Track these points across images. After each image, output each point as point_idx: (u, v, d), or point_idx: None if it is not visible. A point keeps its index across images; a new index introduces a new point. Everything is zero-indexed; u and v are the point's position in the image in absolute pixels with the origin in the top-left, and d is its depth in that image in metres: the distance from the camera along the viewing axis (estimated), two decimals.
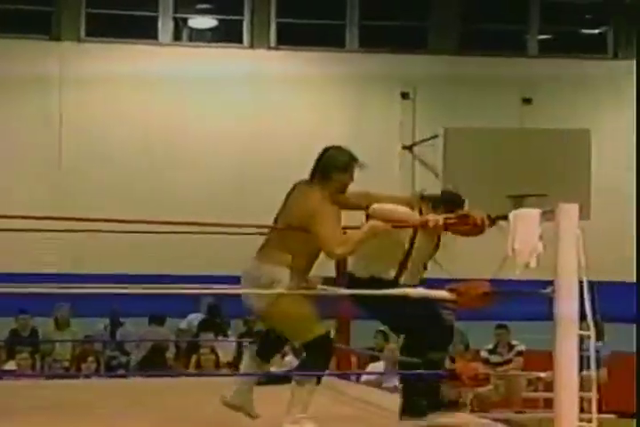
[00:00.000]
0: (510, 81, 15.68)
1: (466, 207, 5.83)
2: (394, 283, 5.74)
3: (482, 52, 16.15)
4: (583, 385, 4.86)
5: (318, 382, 5.52)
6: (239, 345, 12.51)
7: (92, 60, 15.46)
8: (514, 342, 13.21)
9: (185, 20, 16.24)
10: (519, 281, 5.18)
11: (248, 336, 11.78)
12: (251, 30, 16.09)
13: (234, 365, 11.80)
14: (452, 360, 12.27)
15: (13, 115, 15.17)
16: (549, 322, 4.81)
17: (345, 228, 5.55)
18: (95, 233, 8.00)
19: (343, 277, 8.23)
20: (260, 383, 7.21)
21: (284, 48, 16.13)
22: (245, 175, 15.07)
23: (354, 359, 10.47)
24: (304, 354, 5.65)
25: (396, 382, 10.74)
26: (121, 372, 12.40)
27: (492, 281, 5.28)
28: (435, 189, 6.28)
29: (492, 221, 5.54)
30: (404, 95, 15.65)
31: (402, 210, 5.72)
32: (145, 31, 15.89)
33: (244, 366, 5.83)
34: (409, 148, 14.32)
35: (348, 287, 5.98)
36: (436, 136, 12.26)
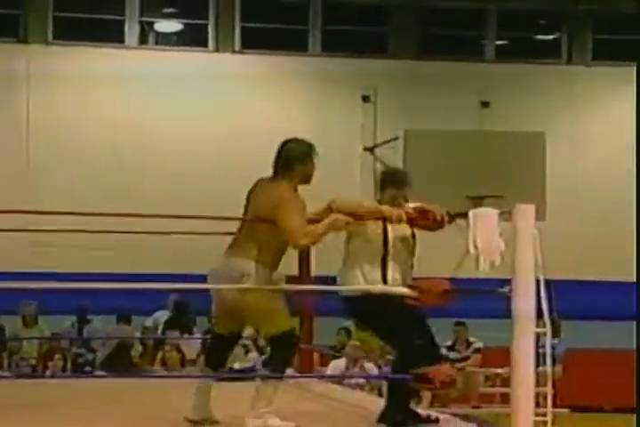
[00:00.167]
0: (468, 85, 15.74)
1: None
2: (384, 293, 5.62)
3: (441, 57, 16.21)
4: (539, 381, 4.89)
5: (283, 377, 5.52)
6: (204, 342, 12.48)
7: (59, 63, 15.35)
8: (472, 340, 13.28)
9: (151, 24, 16.18)
10: (478, 279, 5.21)
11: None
12: (215, 34, 16.05)
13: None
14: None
15: None
16: (507, 320, 4.83)
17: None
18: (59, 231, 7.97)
19: (307, 276, 8.26)
20: (222, 380, 7.22)
21: (249, 52, 16.11)
22: (210, 175, 15.02)
23: (316, 356, 10.46)
24: (269, 349, 5.62)
25: (359, 379, 10.77)
26: (87, 369, 12.34)
27: (451, 279, 5.30)
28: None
29: (452, 218, 5.55)
30: (366, 98, 15.67)
31: (366, 203, 5.70)
32: (111, 34, 15.81)
33: (197, 385, 5.74)
34: (370, 149, 14.33)
35: (345, 309, 5.79)
36: (396, 138, 12.28)
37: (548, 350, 4.83)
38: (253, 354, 11.28)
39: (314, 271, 8.25)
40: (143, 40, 16.02)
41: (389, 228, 5.65)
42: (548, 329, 4.80)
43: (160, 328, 13.56)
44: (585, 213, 16.05)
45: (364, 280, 5.60)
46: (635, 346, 7.40)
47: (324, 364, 11.85)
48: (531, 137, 12.21)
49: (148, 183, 15.05)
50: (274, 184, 5.56)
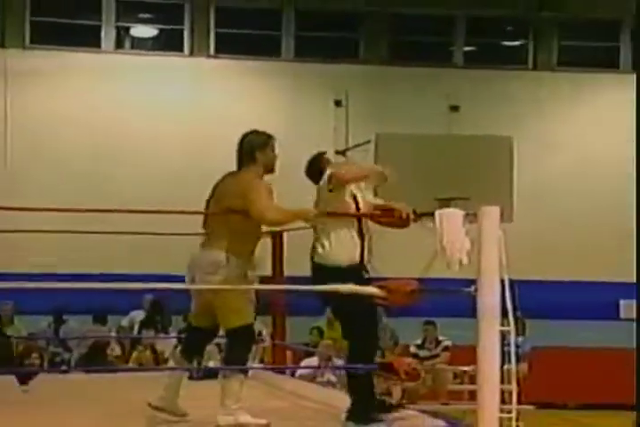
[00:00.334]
0: (438, 89, 15.79)
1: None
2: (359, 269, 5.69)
3: (410, 62, 16.26)
4: (506, 378, 4.90)
5: (246, 372, 5.51)
6: (179, 341, 12.45)
7: (36, 67, 15.29)
8: (441, 338, 13.31)
9: (127, 29, 16.12)
10: (446, 279, 5.22)
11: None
12: (191, 39, 16.02)
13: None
14: (382, 355, 12.38)
15: None
16: (474, 319, 4.84)
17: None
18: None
19: (280, 276, 8.26)
20: (194, 378, 7.20)
21: (223, 57, 16.09)
22: (185, 177, 14.97)
23: (289, 354, 10.45)
24: (228, 343, 5.59)
25: (330, 376, 10.78)
26: (64, 368, 12.26)
27: (419, 279, 5.31)
28: (366, 192, 6.27)
29: (417, 216, 5.57)
30: (337, 102, 15.69)
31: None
32: (88, 39, 15.74)
33: (167, 379, 5.72)
34: (342, 152, 14.32)
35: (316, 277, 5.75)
36: (367, 141, 12.29)
37: (513, 348, 4.84)
38: None
39: (287, 272, 8.25)
40: (119, 45, 15.97)
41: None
42: (512, 327, 4.81)
43: (136, 328, 13.52)
44: (551, 215, 16.13)
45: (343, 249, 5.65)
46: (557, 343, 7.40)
47: (297, 362, 11.85)
48: (498, 141, 12.25)
49: (123, 184, 14.99)
50: (239, 175, 5.62)
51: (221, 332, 5.83)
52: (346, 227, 5.68)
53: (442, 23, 16.62)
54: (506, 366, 4.94)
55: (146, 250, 13.35)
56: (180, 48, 16.02)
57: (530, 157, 15.28)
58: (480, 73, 16.28)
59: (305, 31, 16.30)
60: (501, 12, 16.52)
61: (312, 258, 5.80)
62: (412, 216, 5.55)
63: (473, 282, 4.82)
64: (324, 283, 5.36)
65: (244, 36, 16.26)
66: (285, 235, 7.95)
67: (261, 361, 11.72)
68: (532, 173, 15.36)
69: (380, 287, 5.19)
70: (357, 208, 5.77)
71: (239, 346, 5.48)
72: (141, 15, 16.37)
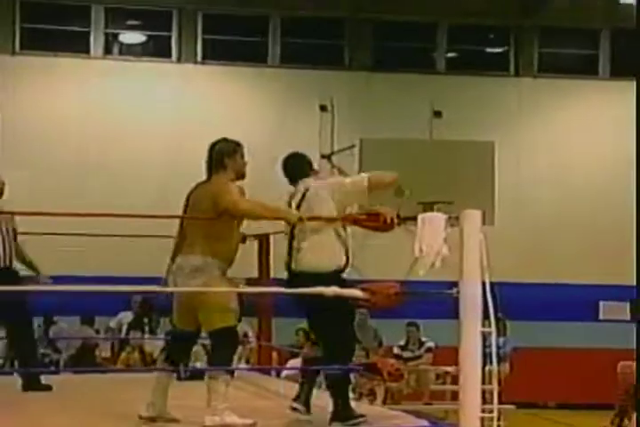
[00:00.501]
0: (421, 95, 15.81)
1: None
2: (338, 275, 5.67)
3: (394, 69, 16.29)
4: (487, 378, 4.91)
5: (232, 373, 5.50)
6: (167, 343, 12.42)
7: (26, 72, 15.27)
8: (424, 339, 13.33)
9: (116, 35, 16.10)
10: (428, 282, 5.23)
11: None
12: (179, 46, 16.01)
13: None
14: (367, 355, 12.38)
15: None
16: (456, 320, 4.85)
17: None
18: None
19: (266, 278, 8.26)
20: (181, 379, 7.18)
21: (211, 63, 16.09)
22: (171, 181, 14.92)
23: (275, 355, 10.45)
24: (212, 344, 5.58)
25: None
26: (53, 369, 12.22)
27: (403, 282, 5.31)
28: None
29: (401, 220, 5.57)
30: (323, 108, 15.70)
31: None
32: (77, 45, 15.72)
33: (155, 382, 5.72)
34: (327, 157, 14.32)
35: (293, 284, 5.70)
36: (352, 146, 12.31)
37: (494, 349, 4.84)
38: None
39: (273, 274, 8.25)
40: (108, 50, 15.94)
41: None
42: (494, 329, 4.82)
43: (124, 329, 13.48)
44: (532, 218, 16.17)
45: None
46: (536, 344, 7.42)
47: (283, 363, 11.84)
48: (480, 145, 12.28)
49: (110, 187, 14.96)
50: (210, 182, 5.67)
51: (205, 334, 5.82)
52: (331, 233, 5.67)
53: (425, 30, 16.65)
54: (487, 367, 4.94)
55: (133, 252, 13.31)
56: (167, 54, 16.01)
57: (511, 162, 15.33)
58: (462, 79, 16.31)
59: (291, 38, 16.31)
60: (483, 19, 16.57)
61: (291, 265, 5.73)
62: (395, 220, 5.55)
63: (455, 284, 4.83)
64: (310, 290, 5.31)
65: (231, 43, 16.26)
66: (272, 238, 7.95)
67: (247, 362, 11.71)
68: (513, 177, 15.41)
69: (363, 290, 5.19)
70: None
71: (223, 347, 5.48)
72: (130, 22, 16.34)
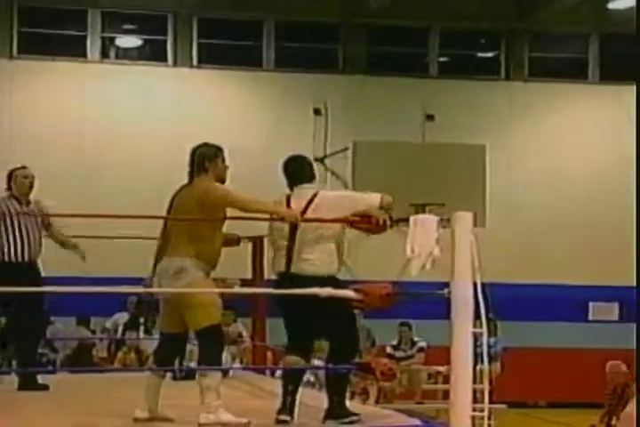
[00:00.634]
0: (414, 99, 15.83)
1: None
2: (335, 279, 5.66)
3: (387, 73, 16.30)
4: (478, 378, 4.91)
5: (225, 371, 5.50)
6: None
7: (25, 76, 15.26)
8: (416, 339, 13.33)
9: (112, 39, 16.09)
10: (420, 282, 5.23)
11: None
12: (174, 50, 16.01)
13: None
14: (360, 355, 12.35)
15: None
16: (447, 320, 4.85)
17: None
18: None
19: (260, 279, 8.26)
20: (177, 378, 7.17)
21: (206, 67, 16.09)
22: (167, 183, 14.93)
23: (269, 355, 10.45)
24: (199, 343, 5.58)
25: (309, 376, 10.75)
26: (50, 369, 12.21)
27: (396, 283, 5.31)
28: None
29: (394, 222, 5.57)
30: (317, 111, 15.71)
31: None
32: (74, 49, 15.71)
33: (147, 383, 5.72)
34: (321, 159, 14.33)
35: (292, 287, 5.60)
36: (346, 149, 12.31)
37: (485, 349, 4.84)
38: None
39: (267, 275, 8.24)
40: (105, 54, 15.93)
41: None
42: (485, 329, 4.82)
43: (120, 329, 13.46)
44: (523, 219, 16.19)
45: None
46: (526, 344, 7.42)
47: (277, 362, 11.82)
48: (472, 148, 12.29)
49: (106, 190, 14.95)
50: (193, 185, 5.70)
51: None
52: (333, 243, 5.68)
53: (418, 35, 16.67)
54: (478, 367, 4.94)
55: (129, 253, 13.29)
56: (163, 58, 16.01)
57: (502, 165, 15.35)
58: (454, 83, 16.34)
59: (285, 42, 16.32)
60: (475, 25, 16.60)
61: (290, 267, 5.68)
62: (388, 222, 5.55)
63: (447, 285, 4.83)
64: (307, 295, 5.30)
65: (226, 47, 16.27)
66: (265, 240, 7.94)
67: (242, 362, 11.70)
68: (504, 179, 15.43)
69: (356, 291, 5.19)
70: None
71: (210, 346, 5.49)
72: (126, 26, 16.34)
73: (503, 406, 10.66)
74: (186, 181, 5.84)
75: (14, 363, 8.47)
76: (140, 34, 16.32)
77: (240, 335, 12.72)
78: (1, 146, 15.03)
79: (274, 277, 5.85)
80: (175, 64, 15.98)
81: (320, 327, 5.75)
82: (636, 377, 8.30)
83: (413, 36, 16.70)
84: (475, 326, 4.83)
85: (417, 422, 5.52)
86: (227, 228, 6.44)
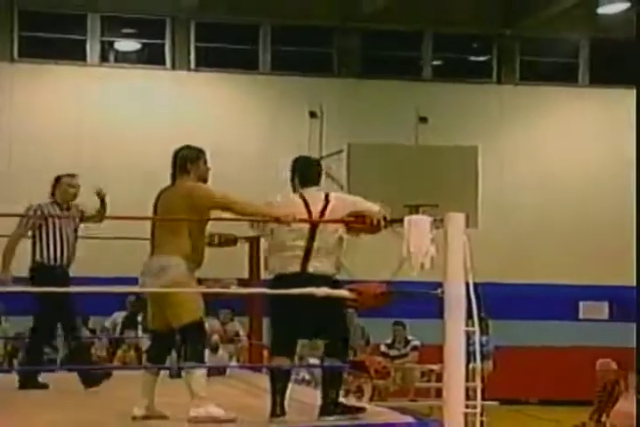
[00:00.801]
0: (407, 102, 15.83)
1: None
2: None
3: (382, 76, 16.31)
4: (471, 376, 4.91)
5: (220, 369, 5.51)
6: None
7: (25, 79, 15.24)
8: (410, 338, 13.33)
9: (111, 43, 16.07)
10: (414, 282, 5.23)
11: None
12: (172, 53, 15.99)
13: None
14: (354, 353, 12.36)
15: None
16: (441, 319, 4.85)
17: None
18: None
19: (257, 279, 8.25)
20: (173, 376, 7.16)
21: (203, 70, 16.07)
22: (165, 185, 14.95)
23: (266, 353, 10.43)
24: (183, 340, 5.58)
25: (305, 374, 10.75)
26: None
27: (390, 282, 5.31)
28: None
29: (388, 223, 5.56)
30: (312, 114, 15.71)
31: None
32: (74, 53, 15.69)
33: (142, 381, 5.71)
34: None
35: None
36: (341, 151, 12.30)
37: (477, 348, 4.85)
38: (221, 352, 11.18)
39: (263, 274, 8.24)
40: (104, 58, 15.92)
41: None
42: (477, 328, 4.82)
43: (118, 329, 13.45)
44: (514, 220, 16.19)
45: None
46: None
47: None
48: (464, 150, 12.29)
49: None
50: (176, 186, 5.72)
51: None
52: (345, 241, 5.71)
53: (411, 39, 16.67)
54: (471, 365, 4.95)
55: (127, 253, 13.27)
56: (162, 61, 15.99)
57: (494, 166, 15.35)
58: (447, 86, 16.34)
59: (281, 46, 16.32)
60: (467, 29, 16.61)
61: (306, 265, 5.63)
62: (382, 223, 5.55)
63: (440, 285, 4.83)
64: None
65: (224, 50, 16.26)
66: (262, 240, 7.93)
67: (238, 360, 11.69)
68: (496, 180, 15.43)
69: (350, 290, 5.19)
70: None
71: (194, 341, 5.50)
72: (125, 30, 16.32)
73: (495, 403, 10.66)
74: None
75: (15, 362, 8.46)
76: (138, 38, 16.30)
77: (237, 334, 12.72)
78: (1, 148, 15.03)
79: (275, 276, 5.78)
80: (173, 67, 15.97)
81: (320, 326, 5.75)
82: (637, 376, 8.28)
83: (407, 41, 16.70)
84: (467, 324, 4.84)
85: (410, 419, 5.52)
86: (224, 228, 6.45)
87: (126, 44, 16.26)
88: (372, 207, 5.67)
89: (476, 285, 4.82)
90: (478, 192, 11.61)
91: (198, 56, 16.04)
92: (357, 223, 5.61)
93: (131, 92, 15.61)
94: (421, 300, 5.02)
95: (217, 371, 8.12)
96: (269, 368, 5.91)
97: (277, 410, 5.55)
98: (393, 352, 13.17)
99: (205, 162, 5.79)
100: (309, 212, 5.65)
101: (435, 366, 11.71)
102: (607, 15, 15.89)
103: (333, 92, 15.94)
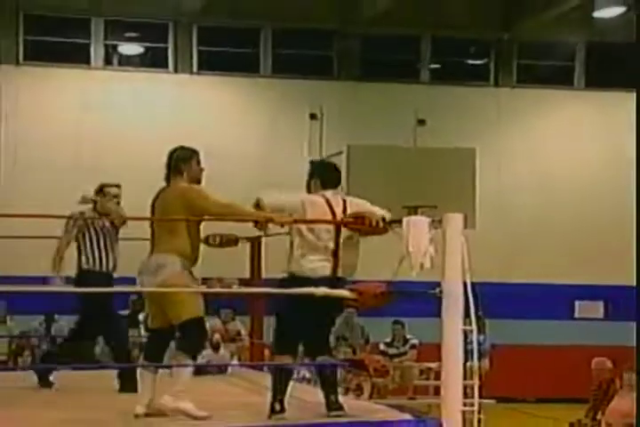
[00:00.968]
0: (406, 104, 15.84)
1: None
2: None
3: (381, 79, 16.31)
4: (468, 374, 4.91)
5: (194, 359, 5.51)
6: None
7: (30, 82, 15.25)
8: (408, 337, 13.33)
9: (115, 47, 16.08)
10: (413, 282, 5.23)
11: None
12: (175, 57, 16.00)
13: None
14: (354, 352, 12.37)
15: None
16: (439, 318, 4.85)
17: None
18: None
19: (258, 278, 8.25)
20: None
21: (205, 73, 16.08)
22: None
23: (267, 352, 10.43)
24: (181, 336, 5.58)
25: (305, 373, 10.75)
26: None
27: (389, 282, 5.31)
28: None
29: (386, 224, 5.56)
30: (313, 116, 15.72)
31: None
32: (78, 56, 15.70)
33: (141, 379, 5.70)
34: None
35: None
36: (340, 152, 12.29)
37: (475, 346, 4.85)
38: (222, 351, 11.16)
39: (265, 274, 8.24)
40: (108, 61, 15.92)
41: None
42: (474, 326, 4.82)
43: None
44: (511, 221, 16.20)
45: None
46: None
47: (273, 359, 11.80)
48: (462, 152, 12.27)
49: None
50: (170, 187, 5.73)
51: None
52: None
53: (410, 43, 16.68)
54: (468, 363, 4.95)
55: (126, 253, 13.27)
56: (164, 65, 16.00)
57: (491, 168, 15.35)
58: (445, 89, 16.35)
59: (282, 49, 16.32)
60: (465, 33, 16.61)
61: (337, 269, 5.64)
62: (381, 224, 5.54)
63: (438, 284, 4.83)
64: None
65: (225, 54, 16.27)
66: (263, 240, 7.94)
67: (240, 359, 11.68)
68: (493, 182, 15.44)
69: (350, 290, 5.19)
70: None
71: (191, 337, 5.48)
72: (128, 34, 16.33)
73: (492, 401, 10.66)
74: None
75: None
76: (141, 41, 16.30)
77: (238, 333, 12.72)
78: (6, 150, 15.04)
79: (302, 277, 5.63)
80: (176, 70, 15.97)
81: (317, 325, 5.75)
82: (637, 376, 8.26)
83: (406, 44, 16.70)
84: (465, 323, 4.83)
85: (408, 416, 5.52)
86: (224, 229, 6.45)
87: (129, 48, 16.27)
88: (375, 210, 5.67)
89: (473, 284, 4.82)
90: (476, 193, 11.59)
91: (200, 59, 16.05)
92: (356, 224, 5.61)
93: (134, 94, 15.62)
94: (420, 299, 5.02)
95: (219, 369, 8.14)
96: (272, 367, 5.90)
97: (277, 407, 5.54)
98: (392, 351, 13.18)
99: (199, 162, 5.79)
100: (333, 213, 5.66)
101: (433, 365, 11.71)
102: (603, 19, 15.90)
103: (333, 95, 15.95)
